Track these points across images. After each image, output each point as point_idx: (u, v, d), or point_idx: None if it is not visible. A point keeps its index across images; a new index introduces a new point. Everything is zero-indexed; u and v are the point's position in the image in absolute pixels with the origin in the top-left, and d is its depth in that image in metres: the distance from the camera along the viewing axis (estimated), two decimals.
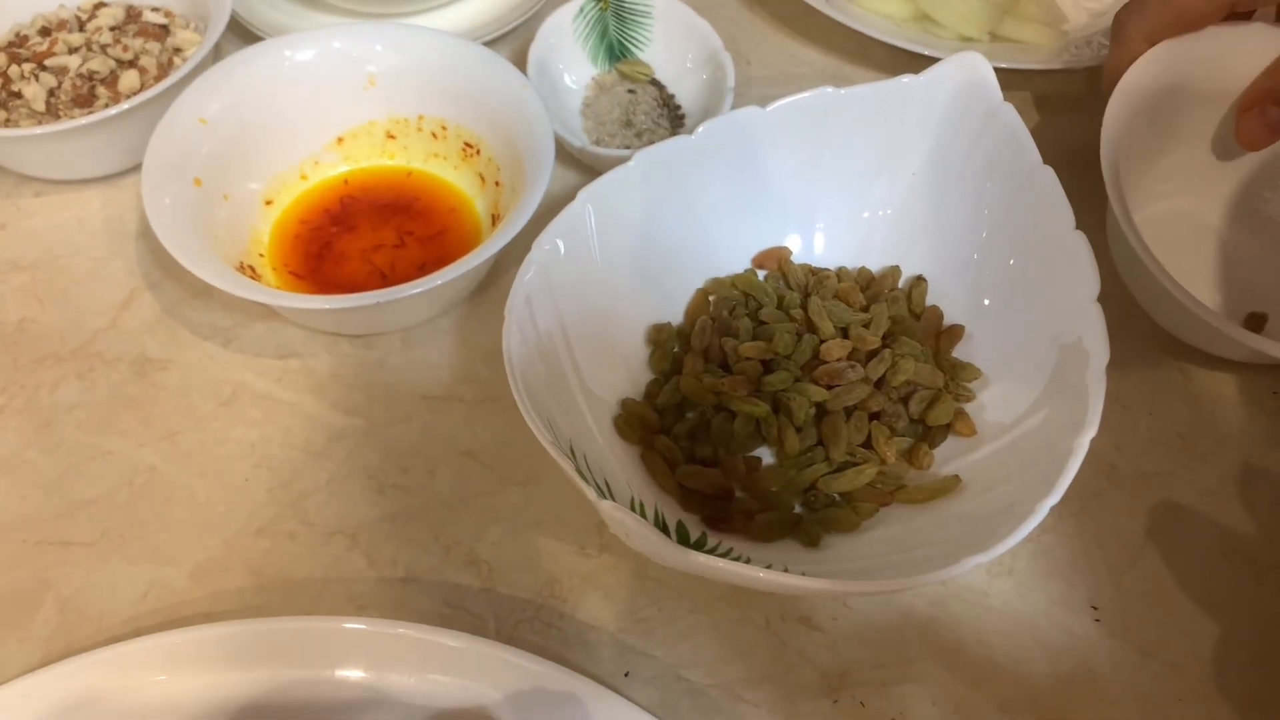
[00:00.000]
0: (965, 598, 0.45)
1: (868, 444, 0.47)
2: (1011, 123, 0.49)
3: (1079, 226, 0.46)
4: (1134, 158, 0.53)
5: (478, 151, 0.56)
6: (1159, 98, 0.54)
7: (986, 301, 0.50)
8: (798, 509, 0.46)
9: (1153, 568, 0.46)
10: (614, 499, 0.42)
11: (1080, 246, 0.45)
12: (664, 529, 0.44)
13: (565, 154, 0.58)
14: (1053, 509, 0.38)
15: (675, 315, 0.52)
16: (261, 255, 0.54)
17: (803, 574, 0.40)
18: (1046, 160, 0.48)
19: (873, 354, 0.49)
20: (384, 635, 0.41)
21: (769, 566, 0.42)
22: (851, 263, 0.53)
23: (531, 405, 0.40)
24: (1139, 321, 0.54)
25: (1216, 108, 0.56)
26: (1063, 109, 0.65)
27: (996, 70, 0.50)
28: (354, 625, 0.41)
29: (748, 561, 0.42)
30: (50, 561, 0.46)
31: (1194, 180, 0.57)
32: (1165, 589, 0.46)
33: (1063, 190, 0.47)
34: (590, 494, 0.38)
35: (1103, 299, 0.43)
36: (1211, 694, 0.43)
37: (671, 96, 0.62)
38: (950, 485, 0.45)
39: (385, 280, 0.53)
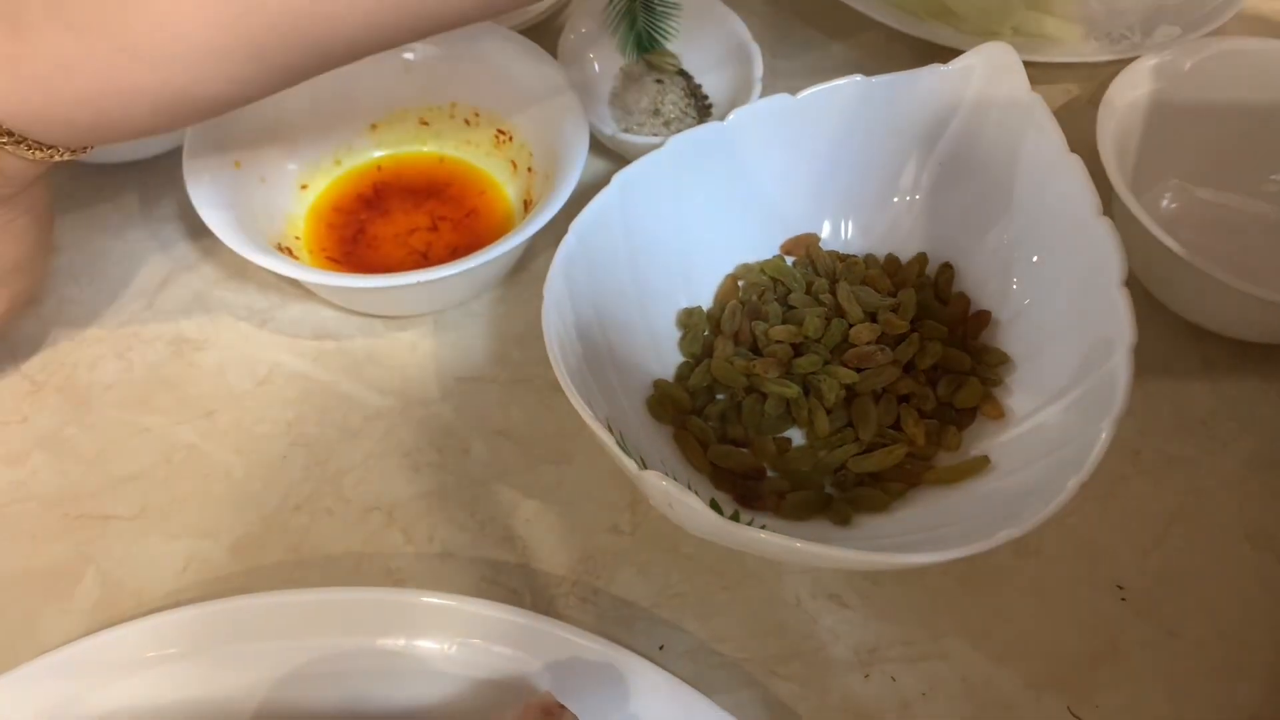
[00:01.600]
0: (993, 576, 0.46)
1: (897, 425, 0.48)
2: (1039, 112, 0.50)
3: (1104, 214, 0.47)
4: (1135, 162, 0.54)
5: (510, 138, 0.57)
6: (1152, 105, 0.56)
7: (1014, 287, 0.50)
8: (828, 489, 0.47)
9: (1177, 549, 0.47)
10: None
11: (1106, 232, 0.46)
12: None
13: (594, 142, 0.58)
14: (1078, 492, 0.38)
15: (705, 300, 0.53)
16: (297, 238, 0.55)
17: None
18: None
19: (901, 338, 0.49)
20: (426, 605, 0.42)
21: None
22: (879, 250, 0.54)
23: (572, 381, 0.41)
24: (1161, 314, 0.54)
25: (1213, 112, 0.58)
26: (1085, 102, 0.65)
27: None
28: (393, 595, 0.42)
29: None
30: (91, 535, 0.47)
31: (1197, 178, 0.59)
32: (1190, 570, 0.47)
33: (1089, 178, 0.48)
34: (632, 467, 0.39)
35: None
36: (1235, 673, 0.44)
37: (699, 87, 0.63)
38: (979, 466, 0.45)
39: (424, 260, 0.54)
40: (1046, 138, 0.49)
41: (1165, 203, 0.58)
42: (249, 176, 0.53)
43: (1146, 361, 0.52)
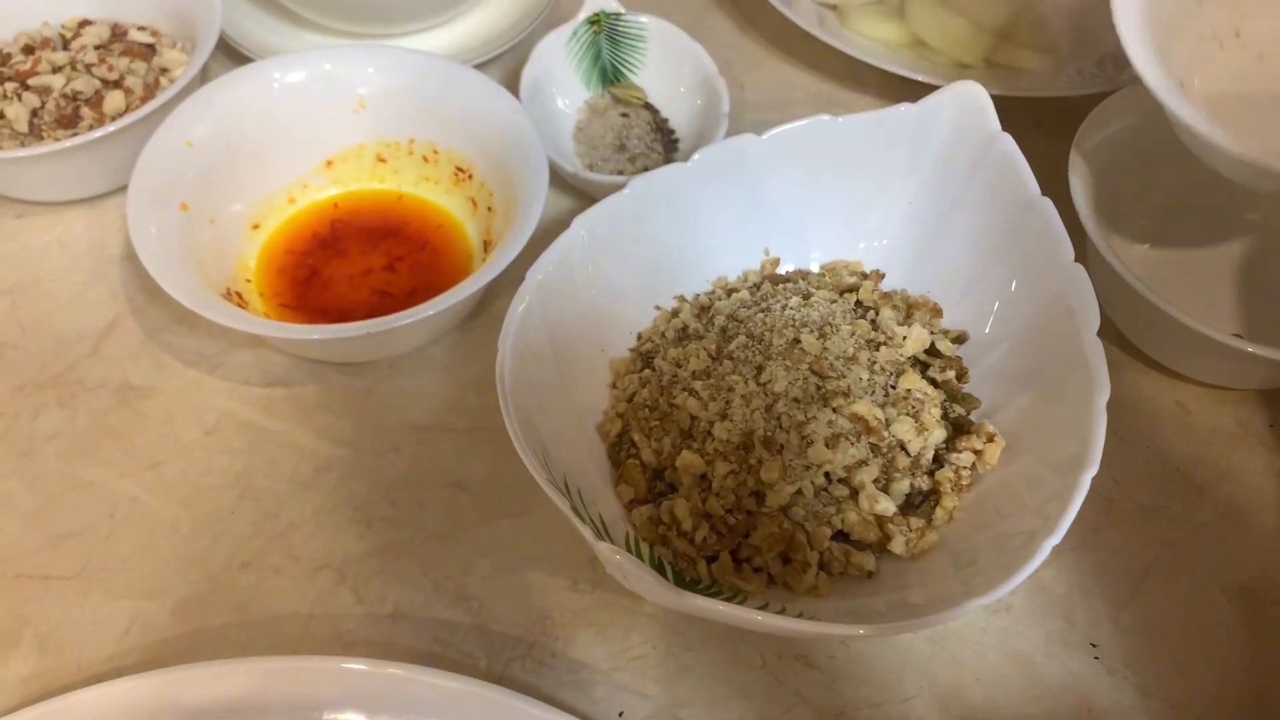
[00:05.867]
0: (963, 635, 0.45)
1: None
2: (1009, 153, 0.49)
3: (1078, 258, 0.45)
4: (1110, 200, 0.53)
5: (470, 176, 0.56)
6: (1124, 142, 0.55)
7: (986, 332, 0.49)
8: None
9: (1151, 603, 0.46)
10: (609, 534, 0.42)
11: (1079, 279, 0.45)
12: (659, 563, 0.43)
13: (558, 179, 0.57)
14: None
15: None
16: (249, 281, 0.53)
17: (800, 615, 0.40)
18: (1042, 189, 0.48)
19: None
20: (373, 675, 0.40)
21: (766, 605, 0.41)
22: None
23: (525, 440, 0.40)
24: (1135, 356, 0.53)
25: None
26: (1057, 135, 0.64)
27: (990, 95, 0.50)
28: (342, 665, 0.40)
29: (744, 600, 0.42)
30: (29, 596, 0.45)
31: (1171, 215, 0.58)
32: (1164, 625, 0.45)
33: (1061, 222, 0.46)
34: (587, 534, 0.37)
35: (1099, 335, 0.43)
36: None
37: (665, 120, 0.62)
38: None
39: (385, 299, 0.53)
40: (1017, 179, 0.48)
41: (1140, 243, 0.57)
42: (197, 219, 0.51)
43: (1120, 406, 0.50)
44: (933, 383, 0.47)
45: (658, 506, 0.44)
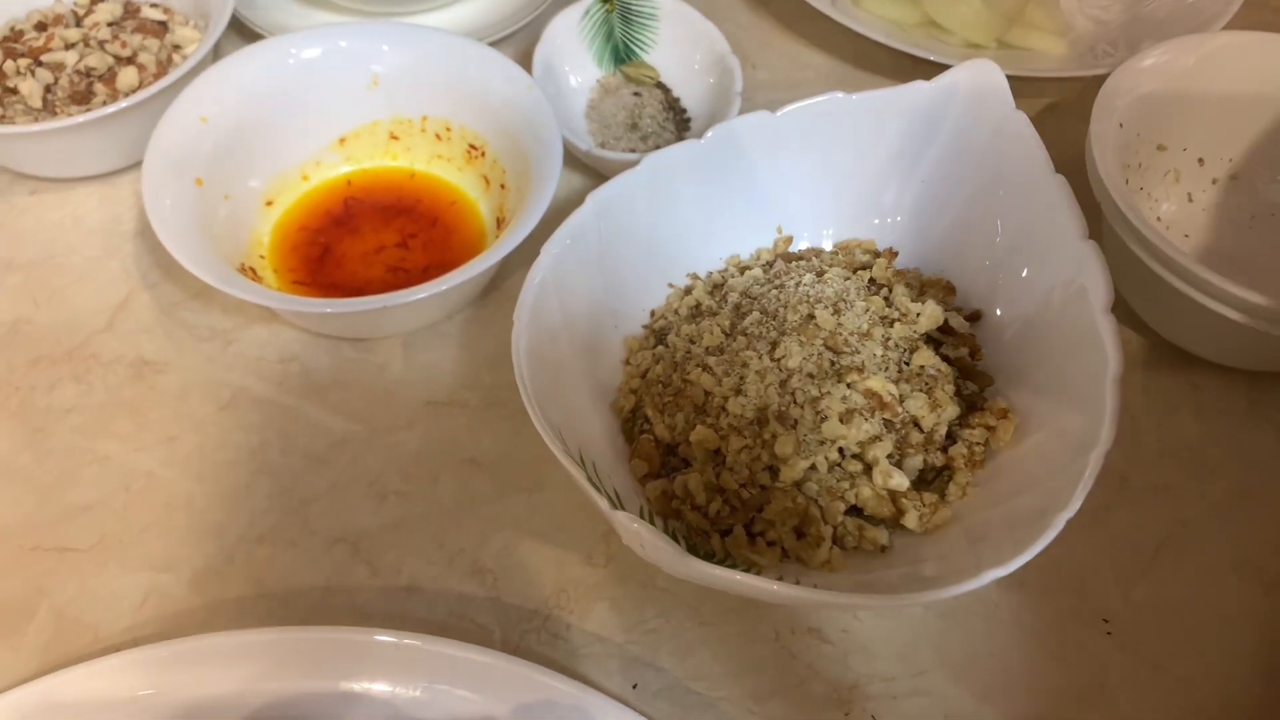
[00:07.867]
0: (976, 610, 0.45)
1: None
2: (1024, 131, 0.49)
3: (1092, 235, 0.45)
4: (1125, 178, 0.53)
5: (482, 154, 0.56)
6: (1153, 106, 0.55)
7: (999, 311, 0.49)
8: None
9: (1163, 580, 0.46)
10: (624, 507, 0.42)
11: (1093, 256, 0.45)
12: (674, 537, 0.43)
13: (569, 156, 0.57)
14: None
15: None
16: (262, 257, 0.53)
17: (814, 586, 0.40)
18: (1056, 168, 0.48)
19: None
20: (390, 645, 0.40)
21: (780, 578, 0.41)
22: None
23: (541, 413, 0.40)
24: (1146, 335, 0.53)
25: (1217, 113, 0.56)
26: (1069, 117, 0.64)
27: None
28: (359, 635, 0.41)
29: (758, 573, 0.42)
30: (46, 568, 0.45)
31: (1186, 192, 0.58)
32: (1176, 602, 0.45)
33: (1075, 199, 0.46)
34: (603, 504, 0.37)
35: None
36: (1223, 710, 0.43)
37: (677, 100, 0.62)
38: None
39: (398, 275, 0.53)
40: (1031, 157, 0.48)
41: (1155, 220, 0.56)
42: (212, 194, 0.51)
43: (1133, 384, 0.51)
44: (946, 359, 0.48)
45: (671, 481, 0.45)
